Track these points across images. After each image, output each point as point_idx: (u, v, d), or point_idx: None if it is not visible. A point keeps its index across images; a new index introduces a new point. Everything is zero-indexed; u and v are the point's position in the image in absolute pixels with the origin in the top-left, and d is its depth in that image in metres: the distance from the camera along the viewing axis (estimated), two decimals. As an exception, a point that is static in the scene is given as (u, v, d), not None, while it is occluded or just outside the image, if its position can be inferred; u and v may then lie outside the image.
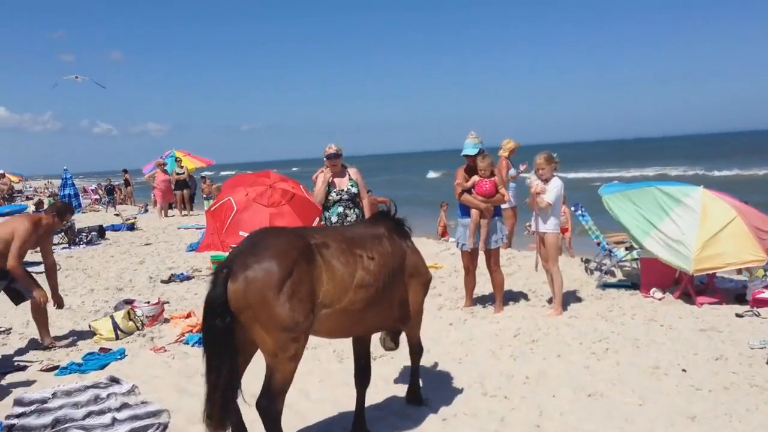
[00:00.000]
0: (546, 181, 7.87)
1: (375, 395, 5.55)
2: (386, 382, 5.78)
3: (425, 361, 6.25)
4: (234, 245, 12.20)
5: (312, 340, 6.93)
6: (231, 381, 3.91)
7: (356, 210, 7.12)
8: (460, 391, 5.58)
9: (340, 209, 7.09)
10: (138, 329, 7.75)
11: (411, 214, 5.82)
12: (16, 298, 7.42)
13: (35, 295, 7.16)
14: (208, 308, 3.88)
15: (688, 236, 8.02)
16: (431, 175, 62.93)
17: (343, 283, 4.13)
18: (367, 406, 5.18)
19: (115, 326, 7.57)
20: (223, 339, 3.85)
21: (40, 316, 7.35)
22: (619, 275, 9.87)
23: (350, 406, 5.29)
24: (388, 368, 6.15)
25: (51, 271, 7.48)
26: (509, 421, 4.92)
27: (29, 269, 7.64)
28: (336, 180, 7.25)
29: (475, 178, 8.03)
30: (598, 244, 10.21)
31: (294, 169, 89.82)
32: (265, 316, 3.79)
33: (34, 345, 7.44)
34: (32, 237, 7.15)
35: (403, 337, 5.12)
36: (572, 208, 10.77)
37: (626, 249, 9.72)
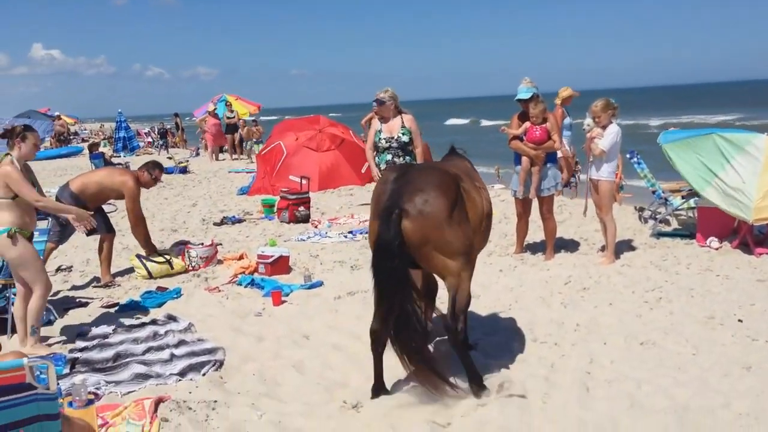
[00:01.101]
0: (603, 127, 7.67)
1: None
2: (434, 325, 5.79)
3: (474, 306, 6.27)
4: (284, 189, 12.31)
5: (363, 285, 7.01)
6: (403, 309, 4.14)
7: (406, 158, 6.91)
8: (510, 336, 5.58)
9: (389, 157, 6.90)
10: (170, 267, 7.95)
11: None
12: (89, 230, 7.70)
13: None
14: (385, 250, 4.02)
15: (749, 185, 7.76)
16: (451, 122, 61.88)
17: (478, 212, 4.50)
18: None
19: (143, 262, 7.87)
20: (401, 277, 4.08)
21: (107, 254, 7.64)
22: (675, 224, 9.65)
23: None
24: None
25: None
26: (559, 367, 4.91)
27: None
28: (386, 126, 7.05)
29: (527, 124, 7.89)
30: (654, 192, 9.97)
31: (331, 114, 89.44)
32: (445, 244, 4.11)
33: (94, 282, 7.70)
34: (139, 193, 7.77)
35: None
36: (627, 155, 10.50)
37: (682, 197, 9.48)
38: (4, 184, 5.25)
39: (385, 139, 7.01)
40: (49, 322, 6.27)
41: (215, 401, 4.52)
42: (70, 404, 3.26)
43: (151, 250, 7.91)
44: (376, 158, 7.01)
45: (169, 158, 23.41)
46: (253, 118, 27.39)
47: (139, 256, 7.91)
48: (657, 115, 47.44)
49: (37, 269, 5.45)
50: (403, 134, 6.96)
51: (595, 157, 7.69)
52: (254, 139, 23.37)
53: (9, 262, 5.48)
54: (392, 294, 4.11)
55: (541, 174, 7.87)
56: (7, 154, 5.42)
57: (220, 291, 7.22)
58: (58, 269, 8.34)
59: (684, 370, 4.79)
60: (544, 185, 7.91)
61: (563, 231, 9.33)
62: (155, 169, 8.03)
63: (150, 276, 7.76)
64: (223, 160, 23.07)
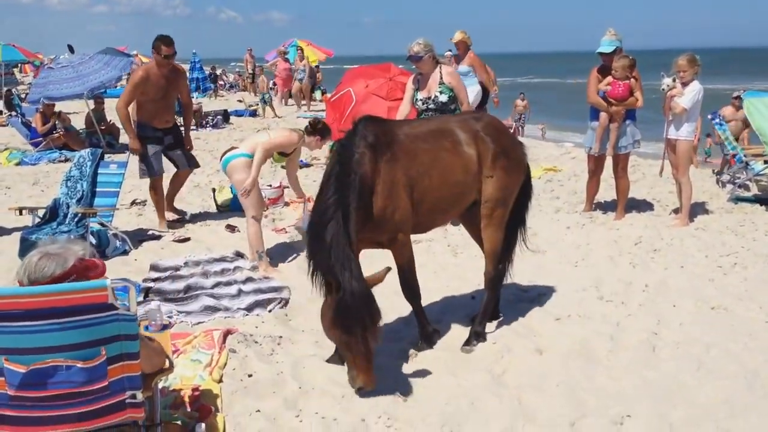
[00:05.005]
0: (684, 84, 7.35)
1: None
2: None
3: (540, 261, 6.20)
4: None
5: (427, 234, 7.05)
6: None
7: None
8: (575, 293, 5.50)
9: None
10: None
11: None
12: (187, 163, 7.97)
13: (131, 146, 7.42)
14: None
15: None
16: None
17: None
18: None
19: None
20: None
21: (177, 187, 7.97)
22: (754, 190, 9.25)
23: (462, 297, 5.40)
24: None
25: (187, 110, 8.29)
26: (625, 326, 4.83)
27: None
28: (423, 85, 6.45)
29: (608, 79, 7.62)
30: (734, 155, 9.57)
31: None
32: None
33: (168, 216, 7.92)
34: (141, 83, 7.22)
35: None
36: (709, 116, 10.08)
37: (765, 162, 9.06)
38: (281, 141, 6.13)
39: (421, 100, 6.42)
40: (125, 252, 6.52)
41: (280, 337, 4.64)
42: (147, 328, 3.40)
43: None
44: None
45: (239, 101, 23.65)
46: (317, 65, 27.28)
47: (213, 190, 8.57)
48: (727, 80, 44.77)
49: (254, 194, 6.00)
50: (440, 92, 6.35)
51: (675, 115, 7.39)
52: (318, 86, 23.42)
53: (234, 183, 6.16)
54: None
55: (619, 131, 7.62)
56: (303, 133, 6.20)
57: (286, 232, 7.34)
58: (133, 203, 8.62)
59: (755, 336, 4.64)
60: (621, 143, 7.65)
61: (635, 191, 9.04)
62: (158, 41, 7.22)
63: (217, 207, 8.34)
64: (292, 105, 23.17)
